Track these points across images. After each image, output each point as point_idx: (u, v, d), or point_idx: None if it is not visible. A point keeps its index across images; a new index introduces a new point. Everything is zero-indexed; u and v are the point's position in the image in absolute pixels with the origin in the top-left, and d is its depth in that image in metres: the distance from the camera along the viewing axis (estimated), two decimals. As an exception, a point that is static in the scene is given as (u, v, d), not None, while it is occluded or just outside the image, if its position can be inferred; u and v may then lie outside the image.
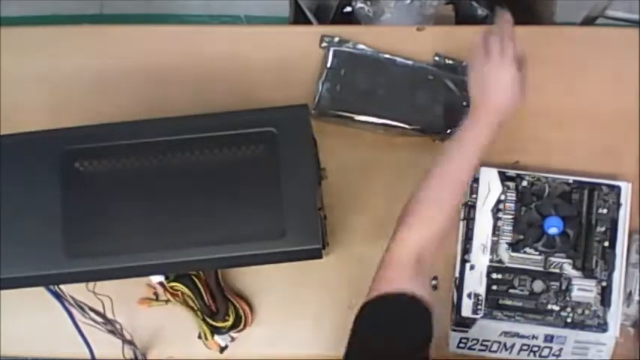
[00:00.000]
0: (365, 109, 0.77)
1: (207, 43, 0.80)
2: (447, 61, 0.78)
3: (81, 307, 0.67)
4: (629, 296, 0.73)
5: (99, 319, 0.69)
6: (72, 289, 0.66)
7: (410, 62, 0.78)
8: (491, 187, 0.74)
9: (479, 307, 0.73)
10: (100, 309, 0.69)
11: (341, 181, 0.77)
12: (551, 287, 0.73)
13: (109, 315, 0.69)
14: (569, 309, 0.73)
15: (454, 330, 0.74)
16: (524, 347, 0.74)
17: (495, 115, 0.65)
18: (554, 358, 0.74)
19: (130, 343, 0.73)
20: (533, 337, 0.74)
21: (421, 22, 0.98)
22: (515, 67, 0.65)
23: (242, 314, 0.74)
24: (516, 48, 0.65)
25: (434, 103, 0.77)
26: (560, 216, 0.72)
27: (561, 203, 0.73)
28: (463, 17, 1.03)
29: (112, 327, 0.70)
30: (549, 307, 0.73)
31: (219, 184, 0.59)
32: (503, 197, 0.74)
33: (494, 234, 0.74)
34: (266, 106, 0.61)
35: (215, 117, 0.61)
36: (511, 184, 0.74)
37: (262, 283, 0.76)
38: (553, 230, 0.72)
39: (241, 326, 0.74)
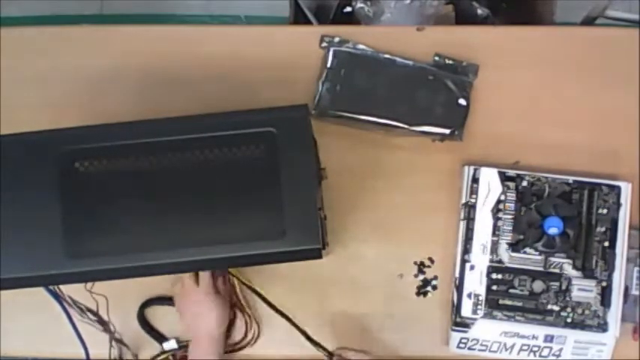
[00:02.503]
0: (365, 109, 0.77)
1: (207, 43, 0.80)
2: (447, 61, 0.78)
3: (79, 307, 0.67)
4: (625, 292, 0.73)
5: (94, 319, 0.69)
6: (70, 288, 0.66)
7: (410, 62, 0.78)
8: (491, 187, 0.74)
9: (479, 307, 0.73)
10: (97, 308, 0.69)
11: (341, 181, 0.77)
12: (551, 287, 0.73)
13: (104, 314, 0.69)
14: (569, 309, 0.73)
15: (454, 330, 0.74)
16: (524, 347, 0.74)
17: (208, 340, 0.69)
18: (554, 358, 0.74)
19: (120, 341, 0.73)
20: (533, 337, 0.74)
21: (421, 22, 0.98)
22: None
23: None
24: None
25: (434, 103, 0.77)
26: (560, 216, 0.72)
27: (561, 203, 0.73)
28: (463, 17, 1.03)
29: (104, 326, 0.70)
30: (549, 307, 0.73)
31: (219, 184, 0.59)
32: (503, 197, 0.74)
33: (494, 234, 0.74)
34: (266, 106, 0.61)
35: (215, 117, 0.61)
36: (511, 184, 0.74)
37: (262, 283, 0.75)
38: (553, 230, 0.72)
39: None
